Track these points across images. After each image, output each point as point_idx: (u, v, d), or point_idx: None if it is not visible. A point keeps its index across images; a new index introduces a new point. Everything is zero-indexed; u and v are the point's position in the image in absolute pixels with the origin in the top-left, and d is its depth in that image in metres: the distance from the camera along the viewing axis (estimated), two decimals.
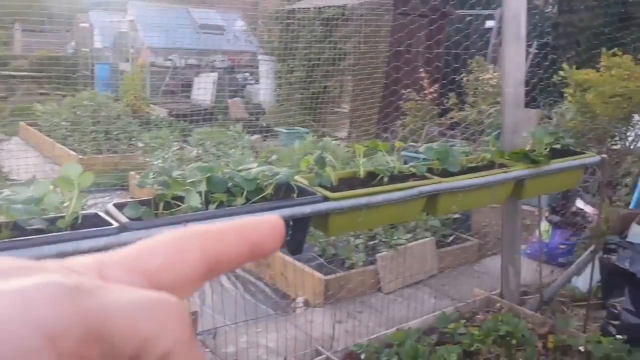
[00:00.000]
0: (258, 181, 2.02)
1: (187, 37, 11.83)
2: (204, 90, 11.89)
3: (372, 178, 2.40)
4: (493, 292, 3.71)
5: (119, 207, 1.84)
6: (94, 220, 1.78)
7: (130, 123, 8.64)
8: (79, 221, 1.74)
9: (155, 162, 6.37)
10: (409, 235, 4.49)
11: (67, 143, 7.95)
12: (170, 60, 12.86)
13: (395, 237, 4.39)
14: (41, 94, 11.51)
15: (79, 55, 13.59)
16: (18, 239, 1.54)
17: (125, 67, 12.91)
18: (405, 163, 2.64)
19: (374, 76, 8.56)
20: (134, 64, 12.64)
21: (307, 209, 2.04)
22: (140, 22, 12.96)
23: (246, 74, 13.14)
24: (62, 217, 1.69)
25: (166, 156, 6.40)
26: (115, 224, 1.73)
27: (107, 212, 1.83)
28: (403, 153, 5.32)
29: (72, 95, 9.06)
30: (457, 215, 4.86)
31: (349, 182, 2.33)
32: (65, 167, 1.67)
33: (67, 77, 10.67)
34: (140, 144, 7.11)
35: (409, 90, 7.28)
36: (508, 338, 2.97)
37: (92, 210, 1.84)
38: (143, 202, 1.87)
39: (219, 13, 13.99)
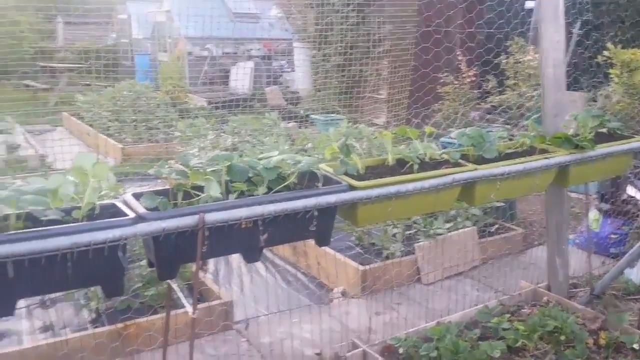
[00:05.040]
0: (280, 170, 1.94)
1: (222, 26, 11.82)
2: (241, 78, 11.90)
3: (401, 166, 2.29)
4: (540, 285, 3.54)
5: (137, 197, 1.79)
6: (112, 211, 1.74)
7: (169, 112, 8.72)
8: (96, 212, 1.71)
9: (192, 151, 6.40)
10: (449, 225, 4.34)
11: (109, 132, 8.07)
12: (207, 49, 12.92)
13: (435, 227, 4.26)
14: (84, 84, 11.77)
15: (119, 46, 13.81)
16: (31, 230, 1.51)
17: (163, 57, 13.05)
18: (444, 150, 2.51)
19: (402, 58, 8.32)
20: (172, 53, 12.76)
21: (332, 199, 1.96)
22: (175, 12, 13.04)
23: (282, 61, 13.09)
24: (78, 207, 1.66)
25: (202, 145, 6.41)
26: (131, 215, 1.69)
27: (125, 203, 1.79)
28: (441, 140, 5.16)
29: (112, 85, 9.19)
30: (499, 204, 4.68)
31: (377, 170, 2.23)
32: (79, 158, 1.63)
33: (108, 67, 10.85)
34: (178, 133, 7.15)
35: (445, 74, 7.05)
36: (556, 334, 2.81)
37: (109, 201, 1.80)
38: (160, 192, 1.82)
39: (252, 1, 13.95)
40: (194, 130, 6.59)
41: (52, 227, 1.53)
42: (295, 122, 8.57)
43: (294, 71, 12.36)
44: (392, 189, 2.09)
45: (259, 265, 4.26)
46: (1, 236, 1.46)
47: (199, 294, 3.40)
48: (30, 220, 1.56)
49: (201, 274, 3.57)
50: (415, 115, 6.45)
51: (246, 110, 8.90)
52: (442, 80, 7.01)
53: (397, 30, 8.42)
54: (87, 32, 14.58)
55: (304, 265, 4.25)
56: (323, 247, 3.97)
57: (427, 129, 2.49)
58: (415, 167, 2.23)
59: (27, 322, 3.17)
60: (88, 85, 11.22)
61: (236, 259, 4.30)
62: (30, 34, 12.37)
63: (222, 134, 7.18)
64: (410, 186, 2.13)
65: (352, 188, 2.03)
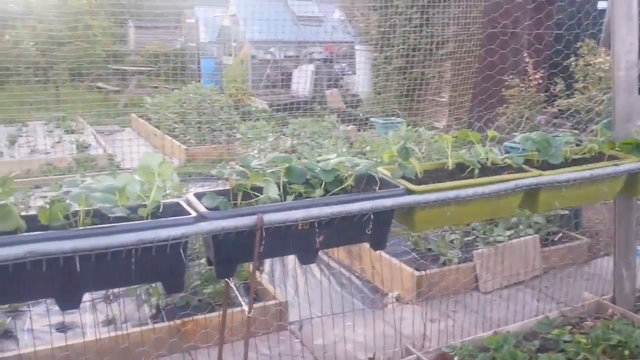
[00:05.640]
0: (337, 172, 1.95)
1: (285, 29, 12.01)
2: (302, 81, 12.02)
3: (461, 170, 2.25)
4: (604, 297, 3.38)
5: (199, 196, 1.84)
6: (175, 210, 1.80)
7: (231, 114, 8.91)
8: (161, 210, 1.77)
9: (252, 153, 6.52)
10: (510, 232, 4.22)
11: (174, 134, 8.34)
12: (270, 52, 13.13)
13: (494, 234, 4.15)
14: (152, 87, 12.21)
15: (186, 50, 14.24)
16: (99, 226, 1.58)
17: (228, 61, 13.36)
18: (507, 154, 2.45)
19: (466, 61, 8.15)
20: (236, 57, 13.04)
21: (388, 202, 1.94)
22: (241, 16, 13.32)
23: (343, 64, 13.12)
24: (144, 205, 1.72)
25: (262, 147, 6.52)
26: (193, 213, 1.74)
27: (188, 202, 1.84)
28: (505, 144, 5.02)
29: (179, 88, 9.49)
30: (564, 212, 4.50)
31: (436, 175, 2.20)
32: (146, 157, 1.69)
33: (176, 70, 11.21)
34: (239, 135, 7.30)
35: (510, 76, 6.86)
36: (620, 348, 2.67)
37: (173, 200, 1.86)
38: (221, 192, 1.87)
39: (316, 4, 14.06)
40: (255, 133, 6.71)
41: (118, 224, 1.59)
42: (354, 125, 8.57)
43: (354, 74, 12.37)
44: (451, 193, 2.06)
45: (313, 267, 4.28)
46: (70, 232, 1.54)
47: (254, 293, 3.45)
48: (98, 216, 1.64)
49: (257, 273, 3.62)
50: (478, 119, 6.30)
51: (306, 112, 8.99)
52: (507, 83, 6.82)
53: (461, 32, 8.26)
54: (157, 35, 15.12)
55: (358, 269, 4.24)
56: (378, 251, 3.97)
57: (490, 132, 2.43)
58: (476, 171, 2.18)
59: (91, 316, 3.30)
60: (156, 87, 11.64)
61: (291, 260, 4.34)
62: (102, 38, 12.95)
63: (281, 136, 7.28)
64: (470, 191, 2.09)
65: (409, 192, 2.01)
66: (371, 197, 1.93)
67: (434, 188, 2.03)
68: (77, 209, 1.59)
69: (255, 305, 3.14)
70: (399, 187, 2.00)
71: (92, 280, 1.61)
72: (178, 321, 2.98)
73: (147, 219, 1.68)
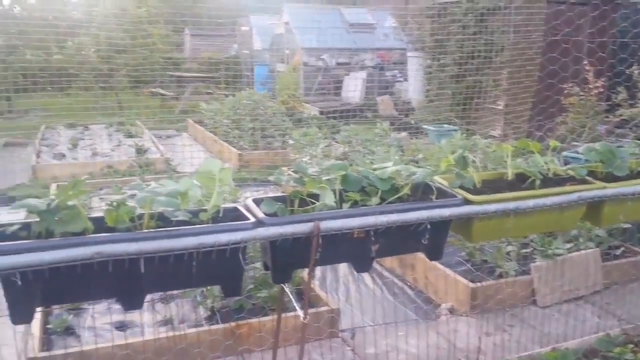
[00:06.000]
0: (394, 181, 1.94)
1: (338, 36, 12.08)
2: (353, 88, 12.03)
3: (521, 181, 2.19)
4: None
5: (257, 202, 1.87)
6: (234, 214, 1.83)
7: (284, 121, 9.01)
8: (220, 214, 1.80)
9: (304, 159, 6.57)
10: (569, 245, 4.08)
11: (228, 139, 8.50)
12: (322, 59, 13.22)
13: (553, 246, 4.02)
14: (207, 93, 12.51)
15: (240, 57, 14.51)
16: (163, 229, 1.63)
17: (280, 68, 13.53)
18: (566, 165, 2.38)
19: (526, 69, 7.95)
20: (289, 64, 13.19)
21: (446, 212, 1.92)
22: (294, 24, 13.48)
23: (395, 71, 13.06)
24: (205, 210, 1.76)
25: (314, 153, 6.55)
26: (252, 219, 1.77)
27: (246, 207, 1.87)
28: (564, 154, 4.87)
29: (233, 94, 9.68)
30: (627, 225, 4.32)
31: (495, 185, 2.15)
32: (207, 163, 1.73)
33: (230, 77, 11.44)
34: (291, 141, 7.37)
35: (570, 84, 6.65)
36: None
37: (232, 205, 1.90)
38: (279, 199, 1.89)
39: (369, 11, 14.06)
40: (307, 139, 6.75)
41: (181, 227, 1.64)
42: (406, 132, 8.51)
43: (406, 81, 12.29)
44: (511, 204, 2.01)
45: (365, 275, 4.26)
46: (136, 234, 1.60)
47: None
48: (161, 219, 1.69)
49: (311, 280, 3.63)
50: (538, 128, 6.14)
51: (358, 119, 8.98)
52: (565, 91, 6.62)
53: (522, 40, 8.08)
54: (212, 43, 15.49)
55: (410, 279, 4.19)
56: (432, 262, 3.91)
57: (552, 142, 2.36)
58: (537, 182, 2.13)
59: (149, 315, 3.40)
60: (210, 94, 11.91)
61: (343, 267, 4.34)
62: (161, 45, 13.36)
63: (333, 142, 7.30)
64: (530, 203, 2.03)
65: (467, 202, 1.97)
66: (428, 207, 1.91)
67: (493, 199, 1.99)
68: (142, 212, 1.64)
69: (299, 312, 3.15)
70: (456, 196, 1.98)
71: (155, 282, 1.65)
72: (233, 324, 3.03)
73: (207, 223, 1.72)
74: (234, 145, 8.19)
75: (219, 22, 12.77)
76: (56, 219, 1.57)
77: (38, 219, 1.58)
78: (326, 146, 6.87)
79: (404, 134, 8.34)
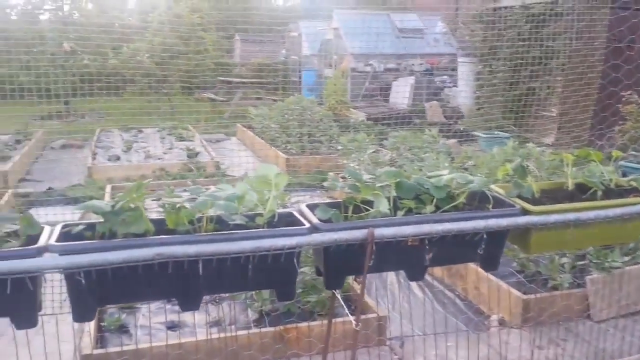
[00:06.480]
0: (449, 189, 1.91)
1: (387, 42, 12.04)
2: (401, 93, 11.96)
3: (582, 191, 2.13)
4: None
5: (311, 208, 1.88)
6: (288, 219, 1.85)
7: (331, 126, 9.04)
8: (275, 219, 1.82)
9: (352, 165, 6.57)
10: (627, 258, 3.92)
11: (276, 144, 8.59)
12: (369, 65, 13.20)
13: (610, 259, 3.88)
14: (257, 98, 12.69)
15: (289, 62, 14.66)
16: (221, 232, 1.66)
17: (328, 73, 13.59)
18: (624, 175, 2.29)
19: (587, 76, 7.71)
20: (337, 69, 13.23)
21: (503, 222, 1.88)
22: (343, 29, 13.52)
23: (444, 76, 12.91)
24: (260, 214, 1.78)
25: (361, 159, 6.54)
26: (307, 224, 1.78)
27: (301, 212, 1.89)
28: (621, 164, 4.71)
29: (281, 100, 9.78)
30: None
31: (554, 195, 2.09)
32: (263, 168, 1.75)
33: (278, 82, 11.56)
34: (339, 147, 7.39)
35: (629, 92, 6.41)
36: None
37: (287, 210, 1.92)
38: (333, 205, 1.89)
39: (419, 16, 13.96)
40: (356, 145, 6.74)
41: (238, 231, 1.66)
42: (456, 139, 8.39)
43: (456, 86, 12.13)
44: (571, 215, 1.95)
45: (412, 283, 4.22)
46: (195, 236, 1.63)
47: (353, 305, 3.46)
48: (219, 223, 1.72)
49: (357, 286, 3.62)
50: (599, 137, 5.95)
51: (405, 125, 8.92)
52: (624, 99, 6.39)
53: (583, 47, 7.85)
54: (262, 49, 15.71)
55: (459, 288, 4.12)
56: (482, 272, 3.84)
57: (614, 152, 2.28)
58: (599, 193, 2.06)
59: (199, 316, 3.46)
60: (259, 99, 12.07)
61: (390, 274, 4.30)
62: (212, 51, 13.63)
63: (380, 148, 7.27)
64: (592, 214, 1.97)
65: (525, 212, 1.93)
66: (485, 216, 1.87)
67: (553, 209, 1.93)
68: (200, 215, 1.68)
69: (351, 318, 3.14)
70: (514, 206, 1.93)
71: (212, 284, 1.68)
72: (281, 327, 3.05)
73: (263, 227, 1.74)
74: (281, 150, 8.27)
75: (269, 28, 12.94)
76: (119, 220, 1.62)
77: (102, 220, 1.64)
78: (373, 152, 6.85)
79: (453, 140, 8.23)
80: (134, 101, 10.89)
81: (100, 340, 3.14)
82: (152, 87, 11.38)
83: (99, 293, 1.63)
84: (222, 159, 8.13)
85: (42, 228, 1.66)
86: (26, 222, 1.62)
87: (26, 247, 1.57)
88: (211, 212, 1.72)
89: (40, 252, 1.56)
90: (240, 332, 3.02)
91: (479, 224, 1.86)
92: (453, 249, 1.92)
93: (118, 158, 8.20)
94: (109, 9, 13.70)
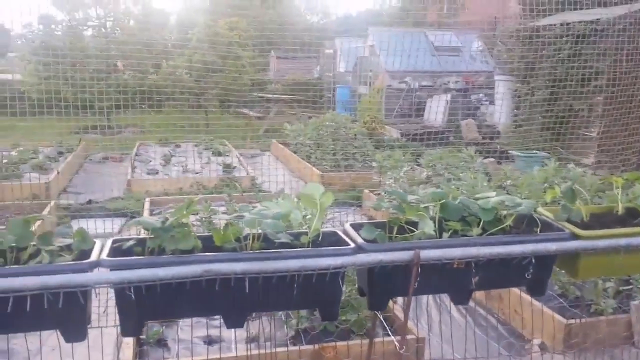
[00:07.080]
0: (497, 211, 1.88)
1: (423, 59, 12.03)
2: (436, 111, 11.89)
3: (632, 216, 2.07)
4: None
5: (356, 227, 1.88)
6: (332, 239, 1.85)
7: (365, 143, 9.04)
8: (320, 238, 1.82)
9: (387, 182, 6.53)
10: None
11: (311, 160, 8.62)
12: (404, 82, 13.18)
13: None
14: (290, 114, 12.79)
15: (324, 79, 14.76)
16: (268, 251, 1.67)
17: (363, 90, 13.63)
18: None
19: (637, 98, 7.53)
20: (372, 86, 13.26)
21: (552, 247, 1.84)
22: (379, 47, 13.55)
23: (480, 94, 12.79)
24: (305, 233, 1.79)
25: (397, 176, 6.51)
26: (351, 244, 1.77)
27: (345, 232, 1.89)
28: None
29: (316, 116, 9.83)
30: None
31: (603, 219, 2.04)
32: (309, 187, 1.76)
33: (313, 99, 11.63)
34: (374, 164, 7.36)
35: None
36: None
37: (330, 229, 1.92)
38: (378, 225, 1.89)
39: (455, 34, 13.91)
40: (391, 163, 6.72)
41: (284, 249, 1.67)
42: (493, 157, 8.27)
43: (492, 104, 12.00)
44: (622, 241, 1.90)
45: (452, 306, 4.14)
46: (242, 254, 1.65)
47: (391, 326, 3.42)
48: (265, 241, 1.73)
49: (392, 306, 3.58)
50: None
51: (438, 144, 8.84)
52: None
53: (632, 70, 7.68)
54: (297, 65, 15.87)
55: (498, 311, 4.03)
56: (522, 295, 3.75)
57: None
58: None
59: (237, 332, 3.47)
60: (294, 114, 12.16)
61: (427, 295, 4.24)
62: (249, 67, 13.83)
63: (416, 166, 7.21)
64: None
65: (575, 236, 1.89)
66: (534, 240, 1.84)
67: (603, 234, 1.89)
68: (248, 232, 1.69)
69: (394, 339, 3.11)
70: (563, 230, 1.89)
71: (257, 302, 1.69)
72: (319, 346, 3.03)
73: (307, 246, 1.75)
74: (315, 166, 8.29)
75: (304, 45, 13.07)
76: (169, 236, 1.64)
77: (152, 236, 1.67)
78: (409, 169, 6.80)
79: (490, 159, 8.12)
80: (173, 116, 11.10)
81: (140, 353, 3.18)
82: (190, 102, 11.58)
83: (147, 308, 1.65)
84: (257, 174, 8.19)
85: (94, 243, 1.70)
86: (79, 236, 1.66)
87: (79, 262, 1.60)
88: (254, 230, 1.73)
89: (92, 266, 1.60)
90: (279, 349, 3.02)
91: (528, 247, 1.83)
92: (500, 273, 1.89)
93: (157, 172, 8.34)
94: (151, 25, 14.05)
